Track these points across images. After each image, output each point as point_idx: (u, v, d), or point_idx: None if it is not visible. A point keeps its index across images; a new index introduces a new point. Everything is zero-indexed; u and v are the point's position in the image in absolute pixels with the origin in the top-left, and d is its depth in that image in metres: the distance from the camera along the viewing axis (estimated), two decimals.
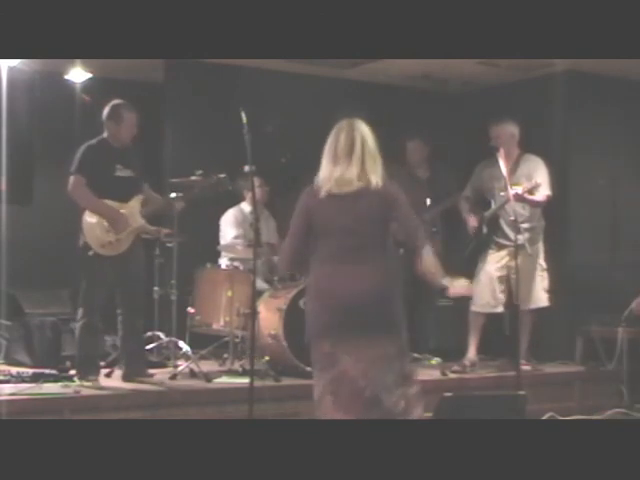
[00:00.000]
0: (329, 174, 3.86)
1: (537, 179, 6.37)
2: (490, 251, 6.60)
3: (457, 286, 4.13)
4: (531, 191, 6.27)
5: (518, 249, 6.12)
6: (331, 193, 3.84)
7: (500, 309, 6.59)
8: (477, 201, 6.81)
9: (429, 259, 3.94)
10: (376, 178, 3.85)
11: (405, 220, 3.95)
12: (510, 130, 6.56)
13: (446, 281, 4.05)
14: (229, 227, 7.05)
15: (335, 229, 3.85)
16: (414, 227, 3.98)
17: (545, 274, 6.65)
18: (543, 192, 6.40)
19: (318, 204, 3.88)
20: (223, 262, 6.85)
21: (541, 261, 6.63)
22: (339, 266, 3.84)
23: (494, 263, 6.56)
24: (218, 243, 6.95)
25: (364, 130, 3.99)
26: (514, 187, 6.19)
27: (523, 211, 6.44)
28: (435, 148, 7.50)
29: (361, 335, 3.78)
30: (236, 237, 6.94)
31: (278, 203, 7.42)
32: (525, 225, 6.43)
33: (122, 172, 5.62)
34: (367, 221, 3.84)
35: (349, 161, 3.85)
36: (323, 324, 3.85)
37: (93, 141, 5.64)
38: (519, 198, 6.22)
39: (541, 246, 6.65)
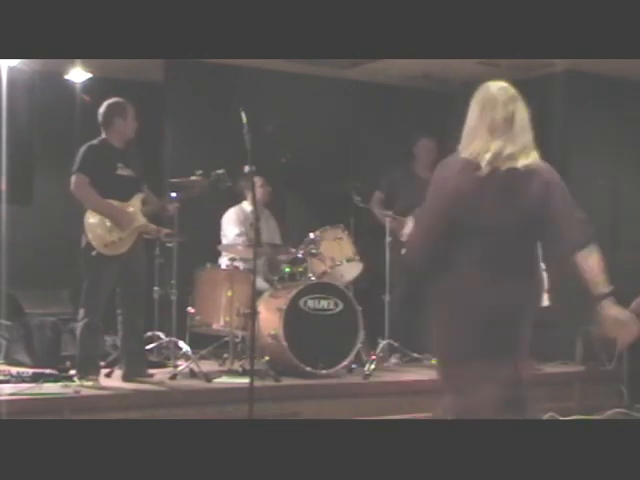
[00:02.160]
0: (485, 147, 3.19)
1: None
2: None
3: (624, 314, 3.15)
4: None
5: None
6: (487, 171, 3.15)
7: None
8: None
9: (594, 260, 3.18)
10: (537, 155, 3.23)
11: (569, 210, 3.23)
12: None
13: (607, 297, 3.17)
14: (231, 225, 7.05)
15: (489, 222, 3.15)
16: (580, 219, 3.24)
17: (544, 274, 6.63)
18: None
19: (470, 182, 3.16)
20: (223, 262, 6.84)
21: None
22: (490, 272, 3.15)
23: None
24: (218, 243, 6.95)
25: (521, 98, 3.34)
26: None
27: None
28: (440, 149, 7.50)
29: (504, 359, 3.17)
30: (238, 235, 6.93)
31: (279, 203, 7.44)
32: None
33: (123, 171, 5.63)
34: (529, 213, 3.16)
35: (511, 133, 3.21)
36: (464, 344, 3.19)
37: (94, 141, 5.65)
38: None
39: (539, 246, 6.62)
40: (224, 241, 6.98)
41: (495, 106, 3.27)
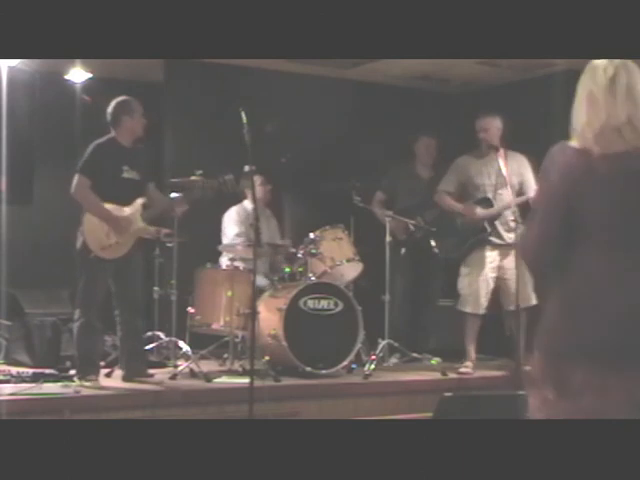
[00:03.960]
0: (589, 125, 2.75)
1: (525, 177, 6.38)
2: (485, 252, 6.53)
3: None
4: None
5: (511, 248, 6.13)
6: (598, 154, 2.71)
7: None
8: (460, 196, 6.70)
9: None
10: None
11: None
12: (498, 124, 6.51)
13: None
14: (232, 225, 7.05)
15: (610, 208, 2.73)
16: None
17: None
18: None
19: (584, 172, 2.73)
20: (224, 261, 6.85)
21: None
22: (613, 267, 2.76)
23: (488, 264, 6.52)
24: (218, 243, 6.96)
25: (629, 68, 2.88)
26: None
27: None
28: (440, 148, 7.50)
29: (623, 368, 2.76)
30: (238, 234, 6.94)
31: (279, 203, 7.44)
32: (513, 225, 6.34)
33: (128, 174, 5.61)
34: None
35: (613, 101, 2.76)
36: (578, 345, 2.80)
37: (102, 140, 5.62)
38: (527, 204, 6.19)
39: None
40: (224, 240, 6.99)
41: (595, 74, 2.84)
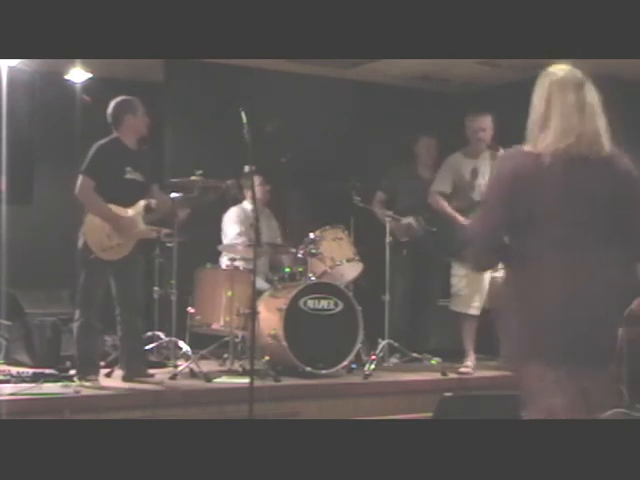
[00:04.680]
0: (557, 136, 2.95)
1: None
2: None
3: None
4: None
5: None
6: (558, 156, 2.92)
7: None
8: (456, 196, 6.60)
9: None
10: (610, 143, 3.02)
11: None
12: (492, 123, 6.48)
13: None
14: (232, 224, 7.05)
15: (562, 210, 2.92)
16: None
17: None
18: None
19: (537, 171, 2.93)
20: (224, 261, 6.85)
21: None
22: (564, 268, 2.91)
23: None
24: (218, 243, 6.96)
25: (591, 85, 3.08)
26: None
27: None
28: (441, 149, 7.48)
29: (582, 365, 2.92)
30: (239, 234, 6.93)
31: (279, 203, 7.43)
32: None
33: (131, 175, 5.58)
34: (602, 204, 2.94)
35: (581, 120, 2.98)
36: (538, 344, 2.94)
37: (105, 140, 5.59)
38: None
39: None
40: (224, 240, 6.98)
41: (565, 90, 3.01)
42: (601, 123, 3.02)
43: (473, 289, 6.43)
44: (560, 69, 3.09)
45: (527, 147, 3.03)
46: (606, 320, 2.95)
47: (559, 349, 2.90)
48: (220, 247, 6.90)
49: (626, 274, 3.03)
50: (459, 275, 6.52)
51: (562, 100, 3.00)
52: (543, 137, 2.98)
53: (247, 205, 7.08)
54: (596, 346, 2.94)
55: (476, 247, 3.11)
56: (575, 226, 2.92)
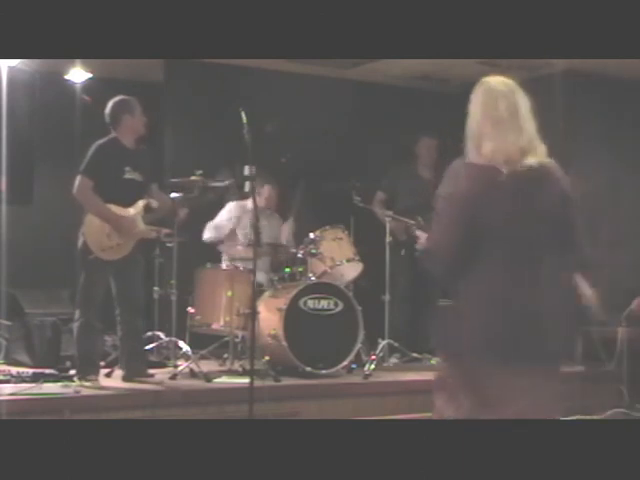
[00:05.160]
0: (495, 146, 3.04)
1: None
2: None
3: None
4: None
5: None
6: (506, 174, 3.01)
7: None
8: None
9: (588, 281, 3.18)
10: (544, 151, 3.12)
11: (576, 220, 3.15)
12: None
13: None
14: (221, 215, 7.07)
15: (510, 221, 3.02)
16: (582, 233, 3.18)
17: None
18: None
19: (489, 186, 3.03)
20: (225, 260, 6.85)
21: None
22: (511, 279, 3.02)
23: None
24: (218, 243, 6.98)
25: (522, 93, 3.17)
26: None
27: None
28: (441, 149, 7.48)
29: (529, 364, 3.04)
30: (220, 222, 6.96)
31: (285, 203, 7.43)
32: None
33: (130, 174, 5.58)
34: (549, 219, 3.06)
35: (515, 128, 3.07)
36: (486, 346, 3.05)
37: (104, 140, 5.59)
38: None
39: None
40: (213, 221, 6.99)
41: (497, 99, 3.11)
42: (533, 130, 3.10)
43: None
44: (493, 79, 3.18)
45: (470, 159, 3.09)
46: (549, 323, 3.03)
47: (504, 350, 3.01)
48: (220, 248, 6.93)
49: (565, 280, 3.14)
50: None
51: (494, 109, 3.09)
52: (484, 148, 3.05)
53: (249, 203, 7.11)
54: (539, 348, 3.03)
55: (439, 264, 3.16)
56: (521, 236, 3.01)
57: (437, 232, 3.12)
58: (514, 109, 3.08)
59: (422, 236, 3.34)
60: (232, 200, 7.02)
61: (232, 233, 6.96)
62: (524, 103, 3.11)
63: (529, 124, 3.09)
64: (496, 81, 3.18)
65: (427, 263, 3.22)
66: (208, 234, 6.98)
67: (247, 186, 6.87)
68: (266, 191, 7.00)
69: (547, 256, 3.04)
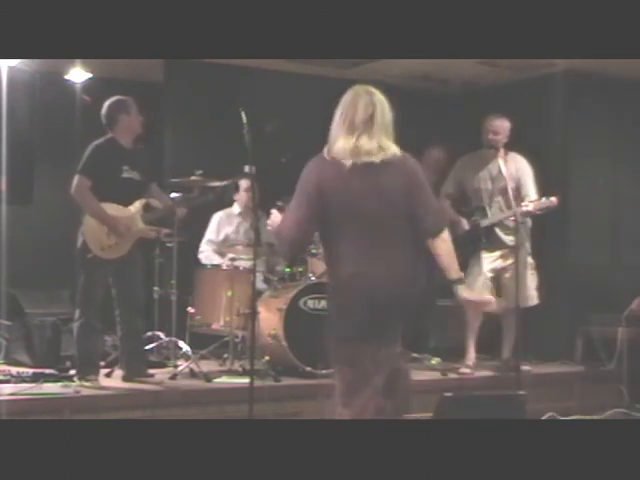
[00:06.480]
0: (346, 144, 3.55)
1: (522, 180, 6.35)
2: (483, 253, 6.52)
3: (474, 295, 3.97)
4: (540, 207, 6.13)
5: (512, 250, 6.13)
6: (350, 165, 3.51)
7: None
8: (459, 197, 6.68)
9: (447, 246, 3.57)
10: (396, 149, 3.59)
11: (427, 198, 3.57)
12: (508, 126, 6.47)
13: (459, 283, 3.63)
14: (210, 229, 7.11)
15: (358, 211, 3.49)
16: (436, 208, 3.64)
17: (534, 272, 6.58)
18: (532, 196, 6.31)
19: (335, 178, 3.52)
20: (224, 261, 6.84)
21: (530, 259, 6.55)
22: (366, 258, 3.47)
23: (487, 264, 6.49)
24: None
25: (382, 99, 3.70)
26: (522, 204, 6.13)
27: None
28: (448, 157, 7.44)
29: (384, 340, 3.56)
30: (208, 242, 7.00)
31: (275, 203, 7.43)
32: (513, 225, 6.29)
33: (128, 174, 5.58)
34: (393, 200, 3.51)
35: (370, 132, 3.56)
36: (351, 326, 3.52)
37: (101, 140, 5.59)
38: (528, 214, 6.18)
39: (528, 245, 6.55)
40: (202, 242, 7.04)
41: (355, 108, 3.61)
42: (385, 136, 3.58)
43: (475, 289, 6.41)
44: (359, 87, 3.74)
45: (324, 154, 3.60)
46: (400, 302, 3.53)
47: (362, 329, 3.48)
48: (220, 248, 6.94)
49: (416, 261, 3.56)
50: (473, 274, 6.48)
51: (351, 117, 3.59)
52: (335, 147, 3.55)
53: (235, 208, 7.13)
54: (390, 326, 3.56)
55: (283, 240, 3.63)
56: (371, 222, 3.47)
57: (285, 214, 3.61)
58: (369, 117, 3.57)
59: None
60: (228, 201, 7.03)
61: (226, 239, 7.01)
62: (381, 111, 3.62)
63: (382, 131, 3.58)
64: (361, 89, 3.72)
65: (276, 241, 3.80)
66: (203, 252, 6.98)
67: (241, 185, 6.95)
68: (243, 196, 7.03)
69: (395, 230, 3.50)
